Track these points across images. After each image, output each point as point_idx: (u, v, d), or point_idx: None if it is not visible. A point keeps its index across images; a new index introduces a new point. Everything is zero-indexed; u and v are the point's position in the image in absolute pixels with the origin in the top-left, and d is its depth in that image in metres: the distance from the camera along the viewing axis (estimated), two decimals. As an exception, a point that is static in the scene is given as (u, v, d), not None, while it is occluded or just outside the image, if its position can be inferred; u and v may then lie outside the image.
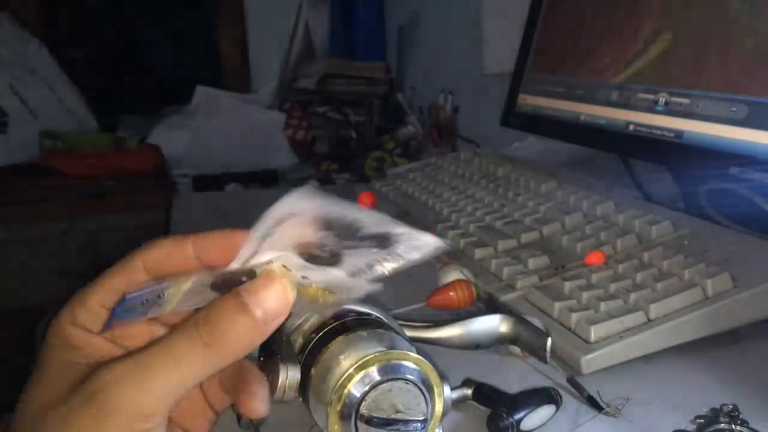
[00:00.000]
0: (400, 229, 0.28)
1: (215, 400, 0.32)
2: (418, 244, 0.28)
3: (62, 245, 1.66)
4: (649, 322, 0.48)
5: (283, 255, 0.28)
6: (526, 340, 0.42)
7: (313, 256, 0.29)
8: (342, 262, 0.29)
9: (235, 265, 0.28)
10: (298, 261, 0.28)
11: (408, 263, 0.28)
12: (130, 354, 0.27)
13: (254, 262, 0.28)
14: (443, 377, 0.33)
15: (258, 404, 0.29)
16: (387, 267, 0.28)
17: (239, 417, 0.34)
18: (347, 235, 0.28)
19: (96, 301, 0.30)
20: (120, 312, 0.29)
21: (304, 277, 0.28)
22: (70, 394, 0.26)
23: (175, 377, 0.26)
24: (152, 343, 0.27)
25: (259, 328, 0.27)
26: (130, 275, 0.30)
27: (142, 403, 0.26)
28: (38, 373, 0.28)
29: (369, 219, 0.28)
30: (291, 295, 0.27)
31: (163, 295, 0.29)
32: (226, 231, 0.30)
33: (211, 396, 0.32)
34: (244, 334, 0.27)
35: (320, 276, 0.28)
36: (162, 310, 0.29)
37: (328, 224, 0.28)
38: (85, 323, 0.29)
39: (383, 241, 0.28)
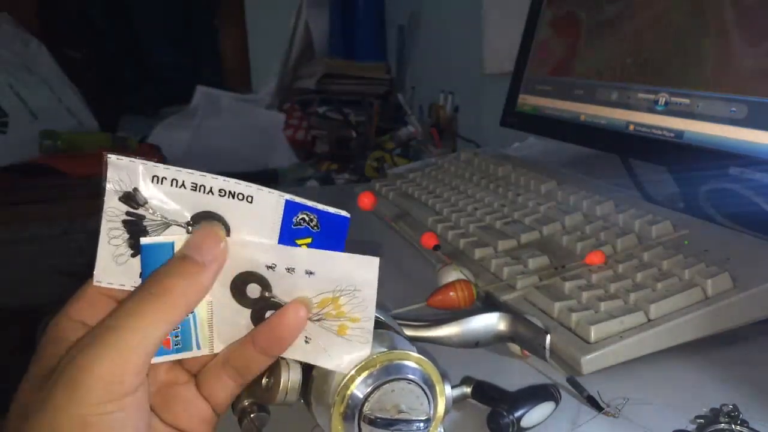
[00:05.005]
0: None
1: (215, 390, 0.32)
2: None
3: (62, 245, 1.65)
4: (649, 322, 0.48)
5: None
6: (524, 338, 0.42)
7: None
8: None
9: None
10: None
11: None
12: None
13: None
14: (444, 376, 0.33)
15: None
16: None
17: (241, 420, 0.34)
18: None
19: (93, 291, 0.30)
20: None
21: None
22: (46, 380, 0.27)
23: (135, 333, 0.27)
24: (110, 313, 0.28)
25: (201, 272, 0.29)
26: None
27: (111, 364, 0.26)
28: (29, 371, 0.29)
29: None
30: (221, 236, 0.30)
31: None
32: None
33: (211, 387, 0.32)
34: (188, 279, 0.29)
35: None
36: None
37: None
38: (81, 317, 0.30)
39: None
